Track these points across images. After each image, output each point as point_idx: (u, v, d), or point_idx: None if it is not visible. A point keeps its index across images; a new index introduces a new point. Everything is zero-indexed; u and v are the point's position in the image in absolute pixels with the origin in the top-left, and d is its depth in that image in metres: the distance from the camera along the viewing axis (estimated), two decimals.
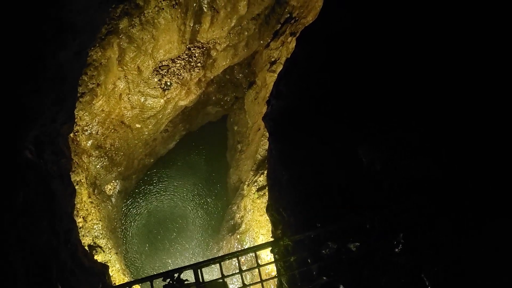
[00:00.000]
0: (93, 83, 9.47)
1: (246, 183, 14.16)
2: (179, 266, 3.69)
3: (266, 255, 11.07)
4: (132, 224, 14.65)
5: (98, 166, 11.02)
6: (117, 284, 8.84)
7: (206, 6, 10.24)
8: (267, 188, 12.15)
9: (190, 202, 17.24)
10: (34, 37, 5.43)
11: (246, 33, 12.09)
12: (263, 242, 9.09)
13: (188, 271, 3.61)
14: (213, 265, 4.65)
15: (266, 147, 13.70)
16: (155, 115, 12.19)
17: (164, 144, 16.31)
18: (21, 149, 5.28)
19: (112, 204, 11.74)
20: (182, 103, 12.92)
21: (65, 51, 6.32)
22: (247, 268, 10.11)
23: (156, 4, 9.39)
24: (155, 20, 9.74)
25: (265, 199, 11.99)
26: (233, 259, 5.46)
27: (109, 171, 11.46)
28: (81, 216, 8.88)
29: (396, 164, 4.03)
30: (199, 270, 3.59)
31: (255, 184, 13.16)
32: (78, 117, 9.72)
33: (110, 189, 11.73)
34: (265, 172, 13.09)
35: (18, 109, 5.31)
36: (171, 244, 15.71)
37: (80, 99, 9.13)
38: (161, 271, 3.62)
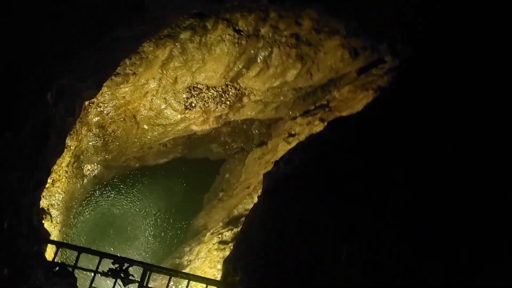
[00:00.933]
0: (131, 70, 9.74)
1: (211, 231, 13.82)
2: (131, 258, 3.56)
3: None
4: (87, 212, 14.16)
5: (90, 143, 10.94)
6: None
7: (261, 58, 10.80)
8: (231, 244, 11.86)
9: (149, 221, 16.76)
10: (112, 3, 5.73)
11: (282, 98, 12.60)
12: None
13: (138, 268, 3.49)
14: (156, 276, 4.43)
15: (247, 207, 13.58)
16: (165, 125, 12.33)
17: (155, 156, 16.24)
18: (46, 89, 5.36)
19: (82, 184, 11.45)
20: (195, 128, 13.10)
21: (128, 28, 6.63)
22: None
23: (220, 34, 9.94)
24: (213, 47, 10.25)
25: (222, 254, 11.65)
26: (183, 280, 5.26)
27: (97, 153, 11.35)
28: (52, 178, 8.66)
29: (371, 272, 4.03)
30: (148, 272, 3.47)
31: (219, 236, 12.85)
32: (100, 92, 9.86)
33: (88, 169, 11.52)
34: (234, 230, 12.83)
35: (61, 55, 5.47)
36: (113, 250, 15.00)
37: (112, 77, 9.34)
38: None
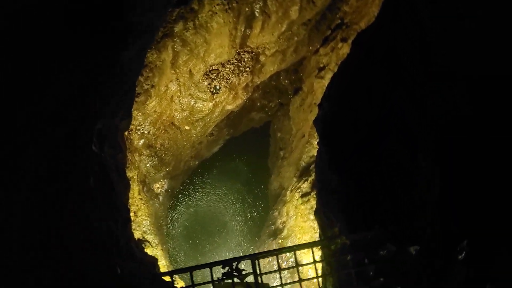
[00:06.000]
0: (148, 84, 9.88)
1: (289, 189, 14.09)
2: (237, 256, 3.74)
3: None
4: (176, 223, 15.04)
5: (148, 164, 11.43)
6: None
7: (258, 11, 10.42)
8: (313, 193, 12.04)
9: (230, 206, 17.43)
10: (103, 35, 5.74)
11: (296, 38, 12.16)
12: None
13: (245, 261, 3.67)
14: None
15: (310, 154, 13.60)
16: (203, 118, 12.50)
17: (208, 148, 16.62)
18: (89, 141, 5.59)
19: (159, 202, 12.11)
20: (229, 107, 13.15)
21: (128, 52, 6.64)
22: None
23: (210, 9, 9.68)
24: (208, 24, 10.04)
25: (309, 205, 11.88)
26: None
27: (158, 170, 11.85)
28: (133, 211, 9.25)
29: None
30: (256, 261, 3.63)
31: (299, 190, 13.08)
32: (133, 117, 10.14)
33: (158, 187, 12.12)
34: (309, 178, 12.98)
35: (85, 104, 5.63)
36: (211, 247, 15.93)
37: (136, 99, 9.54)
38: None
